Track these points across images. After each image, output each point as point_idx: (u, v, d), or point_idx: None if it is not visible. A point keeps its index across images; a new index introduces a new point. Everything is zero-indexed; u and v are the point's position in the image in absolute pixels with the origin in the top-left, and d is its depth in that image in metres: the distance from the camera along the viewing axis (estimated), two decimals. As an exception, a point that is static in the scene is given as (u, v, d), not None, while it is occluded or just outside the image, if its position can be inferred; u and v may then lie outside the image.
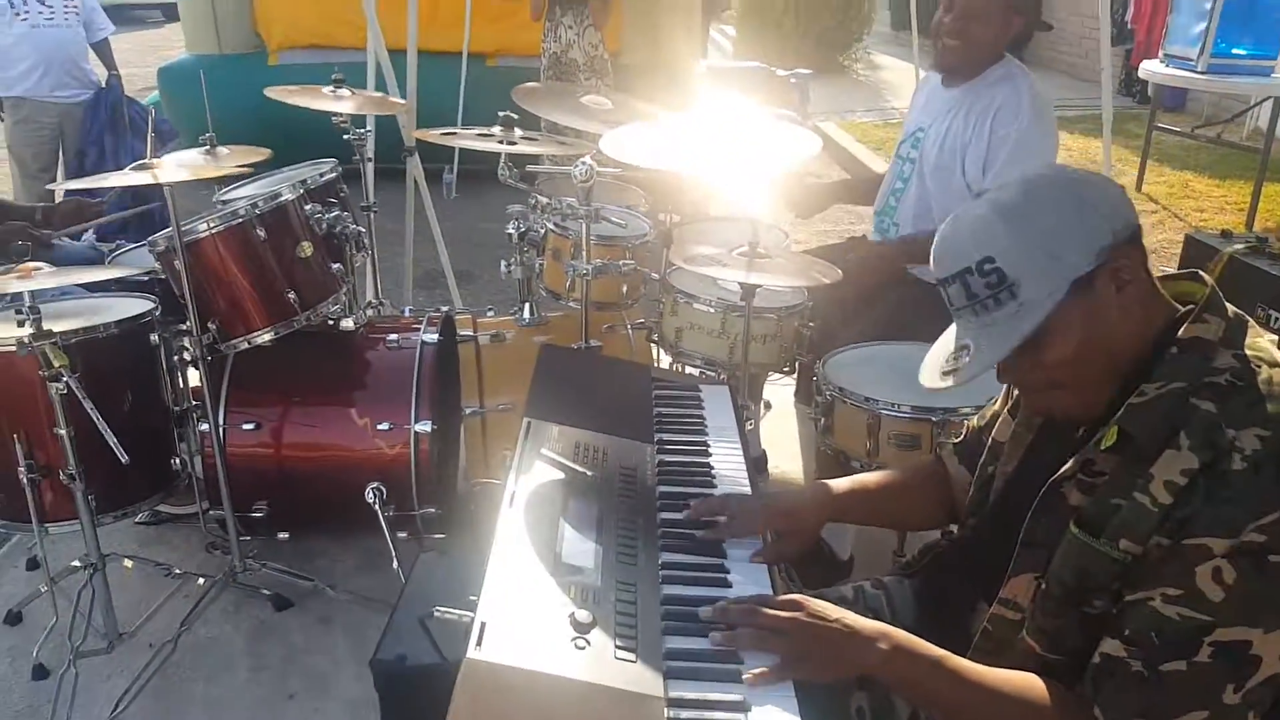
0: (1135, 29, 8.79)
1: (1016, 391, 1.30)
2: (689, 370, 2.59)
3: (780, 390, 3.12)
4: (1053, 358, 1.09)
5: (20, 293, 1.78)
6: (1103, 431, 1.08)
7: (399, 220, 3.71)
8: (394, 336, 2.45)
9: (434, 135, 2.44)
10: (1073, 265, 1.05)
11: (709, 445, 1.66)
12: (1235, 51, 5.37)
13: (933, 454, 1.61)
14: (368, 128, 3.02)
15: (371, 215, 3.05)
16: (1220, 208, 5.76)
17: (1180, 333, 1.07)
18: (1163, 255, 4.94)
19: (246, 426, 2.24)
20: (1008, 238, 1.07)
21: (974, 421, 1.44)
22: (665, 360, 2.62)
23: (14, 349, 1.86)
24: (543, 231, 2.54)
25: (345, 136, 2.90)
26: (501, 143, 2.31)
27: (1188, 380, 1.03)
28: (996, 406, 1.38)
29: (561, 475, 1.45)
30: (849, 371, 2.10)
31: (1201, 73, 5.41)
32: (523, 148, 2.32)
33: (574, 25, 4.83)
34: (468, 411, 2.55)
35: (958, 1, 2.36)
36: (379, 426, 2.30)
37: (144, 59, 10.50)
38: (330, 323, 2.43)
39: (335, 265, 2.32)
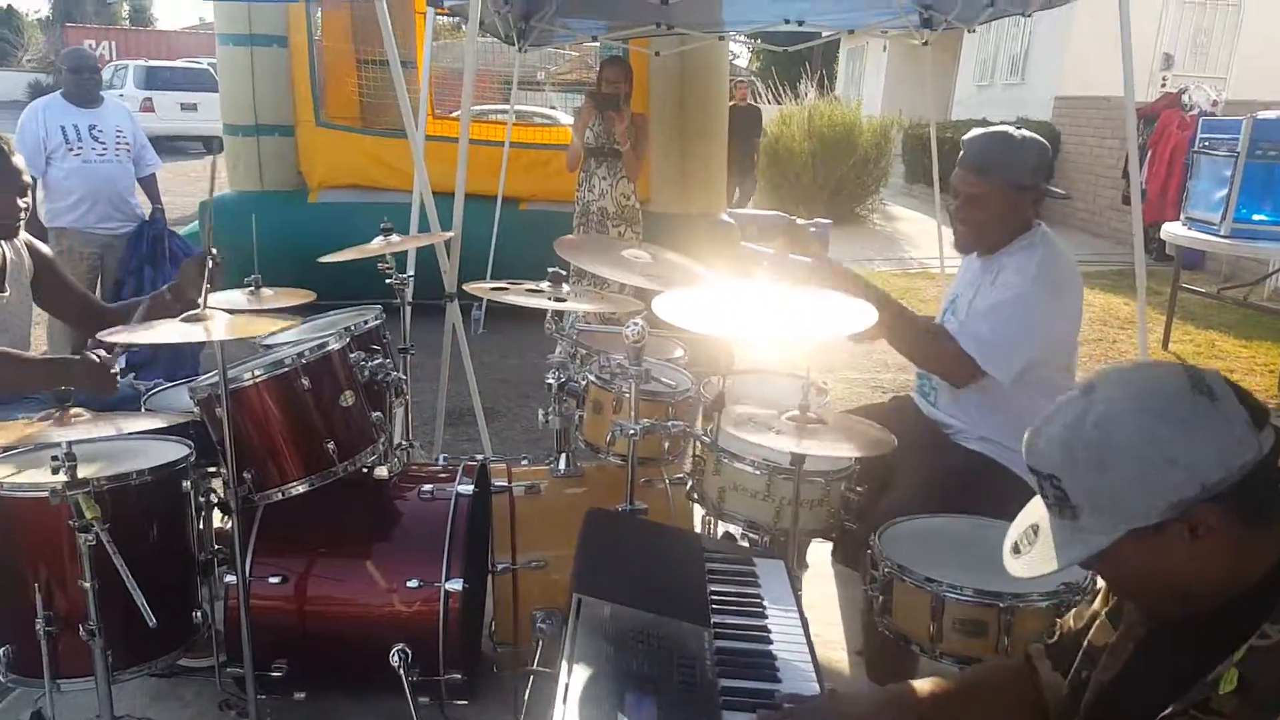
0: (1147, 189, 9.06)
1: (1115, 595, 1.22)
2: (728, 529, 2.51)
3: (816, 547, 3.01)
4: (1110, 578, 1.07)
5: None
6: (1220, 670, 1.00)
7: (429, 355, 3.70)
8: (428, 487, 2.38)
9: (484, 289, 2.44)
10: (1137, 516, 1.00)
11: (770, 631, 1.57)
12: (1256, 217, 5.50)
13: (1021, 653, 1.51)
14: (410, 272, 3.05)
15: (408, 357, 3.04)
16: (1249, 369, 5.74)
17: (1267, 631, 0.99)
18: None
19: (273, 580, 2.15)
20: (1077, 471, 1.03)
21: (1069, 622, 1.35)
22: (698, 512, 2.55)
23: (46, 496, 1.80)
24: (583, 383, 2.51)
25: (388, 281, 2.92)
26: (551, 298, 2.30)
27: None
28: (1095, 606, 1.29)
29: (616, 665, 1.36)
30: (908, 547, 1.99)
31: (1224, 236, 5.54)
32: (573, 305, 2.32)
33: (607, 176, 4.98)
34: (499, 567, 2.44)
35: (961, 190, 2.41)
36: (408, 584, 2.20)
37: (184, 189, 10.90)
38: (364, 470, 2.36)
39: (375, 414, 2.28)
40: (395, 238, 2.85)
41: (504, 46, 5.61)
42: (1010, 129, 2.43)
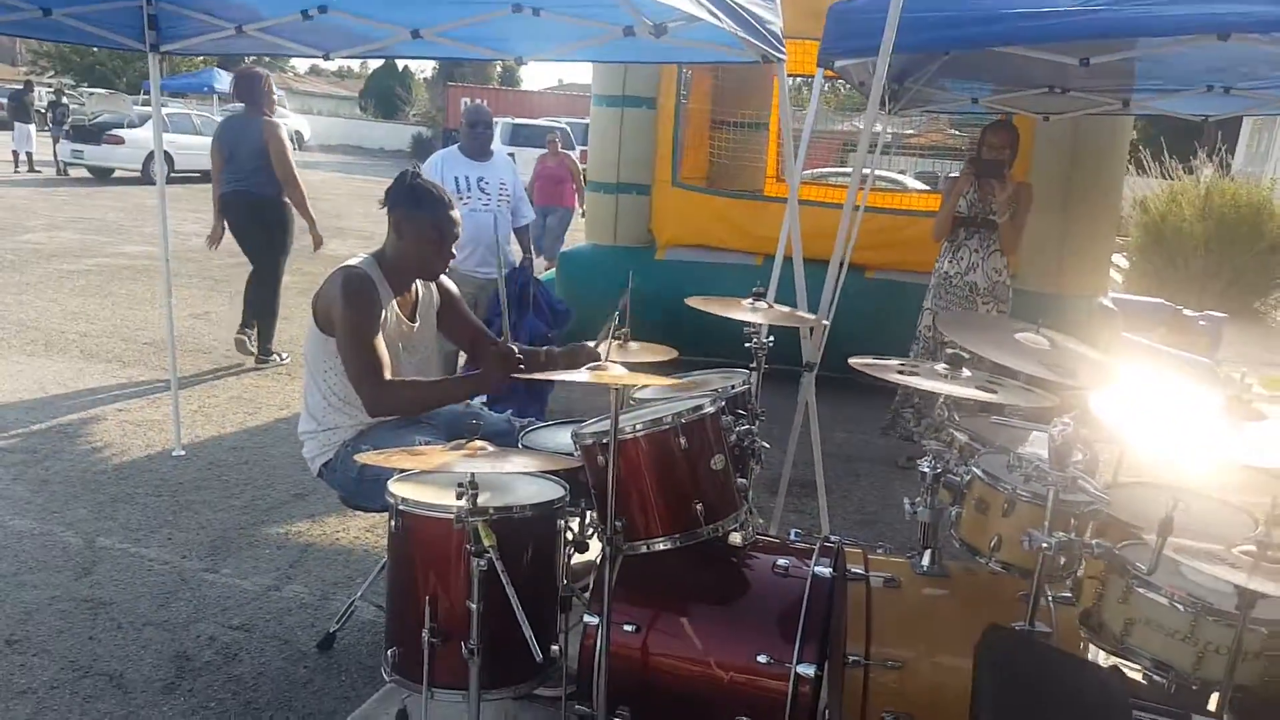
0: None
1: None
2: (1117, 663, 2.14)
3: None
4: None
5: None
6: None
7: (771, 420, 3.62)
8: (783, 561, 2.26)
9: (869, 366, 2.30)
10: None
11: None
12: None
13: None
14: (769, 338, 3.01)
15: (757, 424, 2.98)
16: None
17: None
18: None
19: (627, 628, 2.15)
20: None
21: None
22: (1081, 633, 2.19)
23: (450, 518, 1.92)
24: (966, 478, 2.27)
25: (747, 345, 2.88)
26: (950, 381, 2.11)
27: None
28: None
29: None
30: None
31: None
32: (979, 395, 2.11)
33: (979, 249, 4.65)
34: (851, 659, 2.26)
35: None
36: (758, 658, 2.08)
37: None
38: (723, 534, 2.30)
39: (740, 480, 2.22)
40: (764, 304, 2.81)
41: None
42: None
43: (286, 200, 5.92)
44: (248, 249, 6.09)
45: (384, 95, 41.44)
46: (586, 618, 2.16)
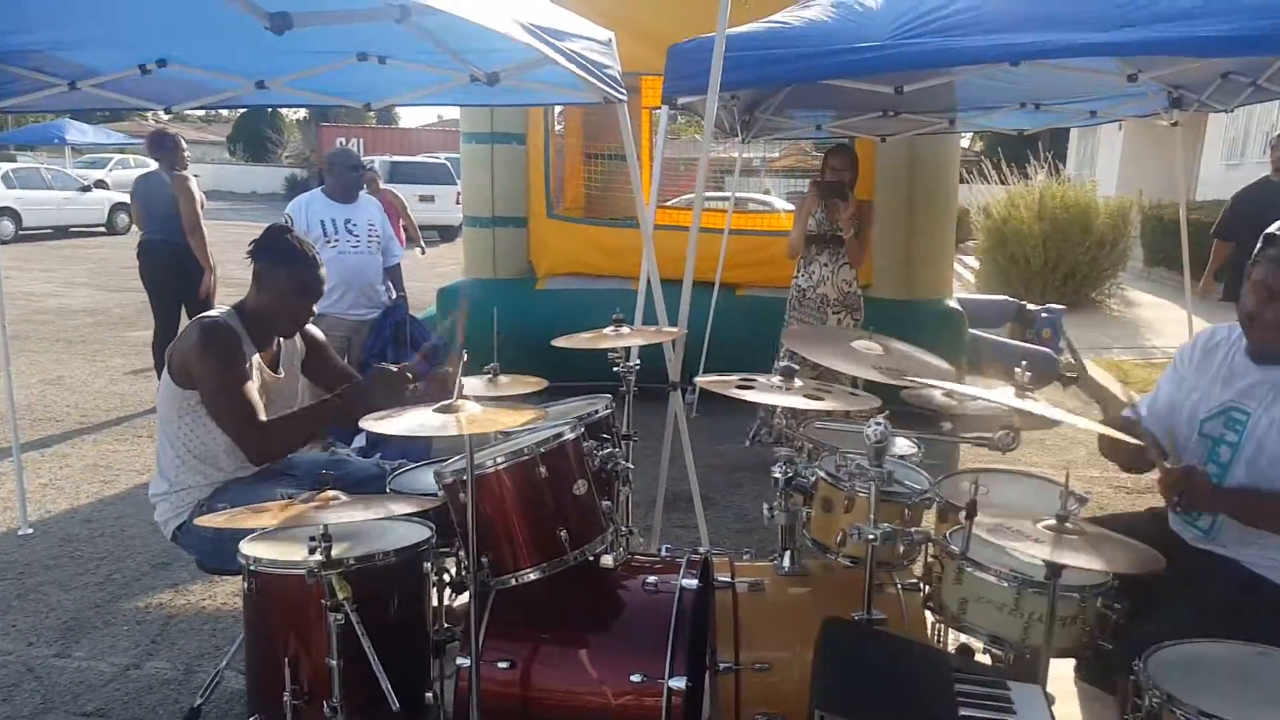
0: None
1: None
2: (964, 640, 2.33)
3: (1057, 663, 2.72)
4: None
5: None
6: None
7: (646, 439, 3.74)
8: (652, 579, 2.36)
9: (714, 383, 2.44)
10: None
11: (1034, 772, 1.41)
12: None
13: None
14: (635, 360, 3.13)
15: (631, 444, 3.09)
16: None
17: None
18: None
19: (502, 665, 2.19)
20: None
21: None
22: (930, 619, 2.38)
23: (303, 574, 1.92)
24: (813, 479, 2.43)
25: (615, 369, 3.00)
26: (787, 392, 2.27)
27: None
28: None
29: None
30: (1177, 675, 1.77)
31: None
32: (809, 404, 2.27)
33: (829, 263, 4.92)
34: (721, 666, 2.37)
35: (1278, 297, 2.13)
36: (631, 678, 2.17)
37: (419, 275, 11.86)
38: (590, 557, 2.39)
39: (605, 503, 2.31)
40: (626, 330, 2.93)
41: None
42: None
43: None
44: (159, 297, 6.16)
45: (253, 138, 40.03)
46: (459, 660, 2.19)
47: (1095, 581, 2.06)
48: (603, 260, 6.68)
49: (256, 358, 2.74)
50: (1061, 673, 2.70)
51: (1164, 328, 9.65)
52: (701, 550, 2.57)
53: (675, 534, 4.16)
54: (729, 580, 2.49)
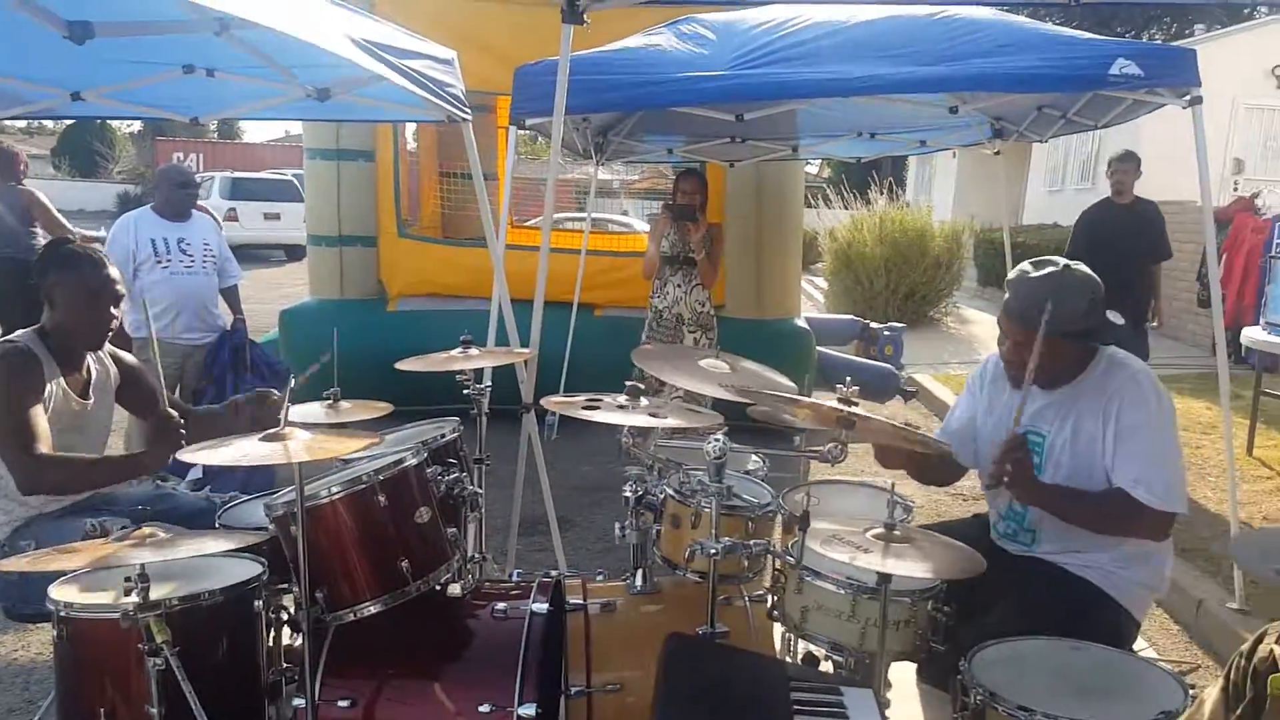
0: (1225, 294, 8.81)
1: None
2: (810, 649, 2.40)
3: (901, 666, 2.84)
4: None
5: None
6: None
7: (503, 462, 3.69)
8: (501, 605, 2.31)
9: (564, 402, 2.43)
10: None
11: (864, 772, 1.46)
12: (1332, 319, 5.27)
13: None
14: (487, 383, 3.10)
15: (483, 468, 3.05)
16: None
17: None
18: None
19: (342, 704, 2.09)
20: None
21: None
22: (778, 629, 2.45)
23: (116, 618, 1.78)
24: (661, 497, 2.46)
25: (465, 391, 2.95)
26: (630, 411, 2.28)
27: None
28: None
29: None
30: (999, 672, 1.89)
31: (1303, 339, 5.31)
32: (658, 422, 2.30)
33: (682, 284, 5.03)
34: (573, 690, 2.35)
35: (1008, 337, 2.33)
36: (480, 708, 2.11)
37: (264, 297, 11.36)
38: (436, 586, 2.33)
39: (450, 530, 2.25)
40: (474, 351, 2.89)
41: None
42: (1057, 270, 2.29)
43: None
44: (6, 317, 5.63)
45: (81, 152, 37.10)
46: (296, 701, 2.08)
47: (924, 586, 2.16)
48: (459, 280, 6.58)
49: (61, 382, 2.55)
50: (907, 675, 2.83)
51: (994, 343, 10.32)
52: (553, 573, 2.54)
53: (534, 558, 4.11)
54: (581, 602, 2.47)
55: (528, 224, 7.62)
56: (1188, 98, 3.47)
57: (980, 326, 11.68)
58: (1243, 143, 11.69)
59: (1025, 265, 2.37)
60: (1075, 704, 1.75)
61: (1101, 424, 2.27)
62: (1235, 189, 10.09)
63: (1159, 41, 17.99)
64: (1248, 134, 11.86)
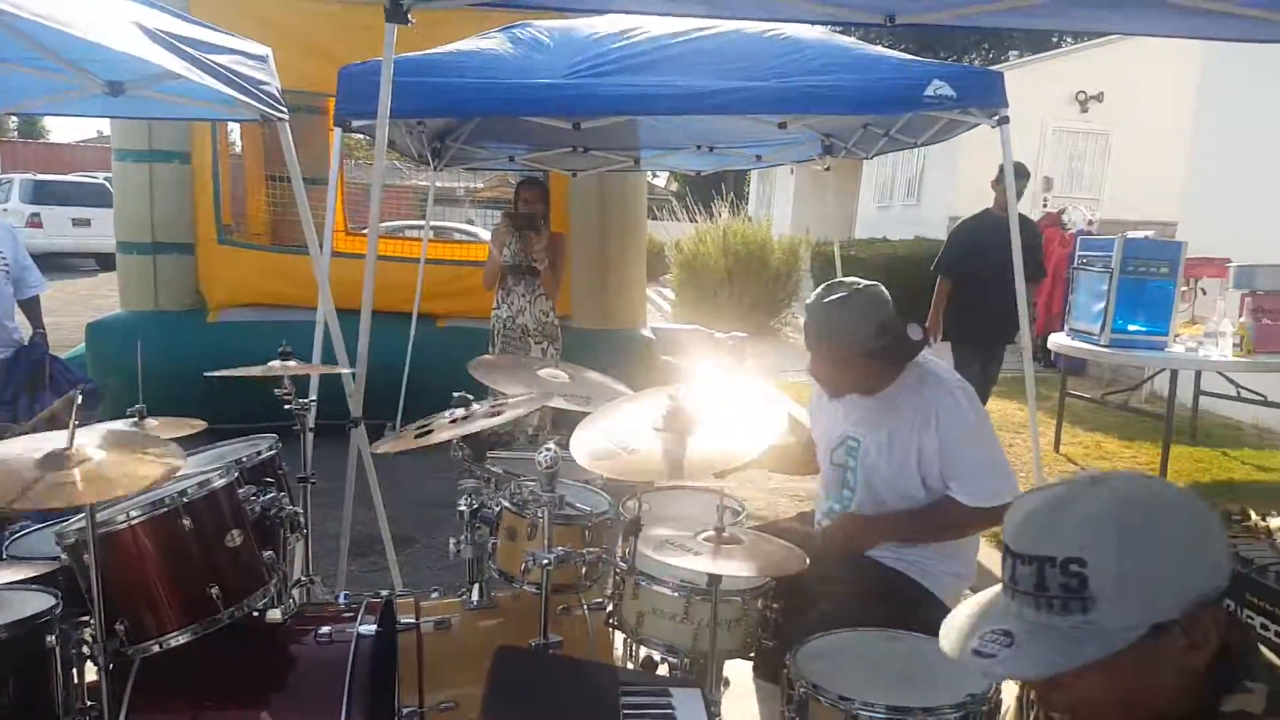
0: (1035, 302, 9.57)
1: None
2: (649, 653, 2.41)
3: (739, 664, 2.90)
4: (1091, 695, 0.97)
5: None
6: None
7: (332, 479, 3.53)
8: (326, 629, 2.20)
9: (394, 446, 2.34)
10: (1163, 609, 0.95)
11: (690, 772, 1.47)
12: (1131, 328, 5.83)
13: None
14: (312, 396, 2.95)
15: (309, 486, 2.90)
16: (1132, 468, 5.98)
17: (1224, 705, 0.96)
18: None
19: (148, 744, 1.94)
20: (1114, 554, 0.95)
21: None
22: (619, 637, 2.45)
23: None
24: (497, 509, 2.41)
25: (287, 406, 2.81)
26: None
27: None
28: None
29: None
30: (822, 664, 1.96)
31: (1105, 346, 5.84)
32: (468, 428, 2.25)
33: (526, 294, 4.99)
34: (405, 712, 2.27)
35: (813, 356, 2.45)
36: (303, 738, 2.01)
37: (72, 310, 10.49)
38: (255, 613, 2.19)
39: (267, 553, 2.12)
40: (293, 363, 2.74)
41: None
42: (847, 294, 2.39)
43: None
44: None
45: None
46: (97, 743, 1.91)
47: (754, 584, 2.21)
48: (288, 289, 6.26)
49: None
50: (744, 673, 2.89)
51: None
52: (383, 593, 2.44)
53: (370, 579, 3.95)
54: (413, 621, 2.39)
55: (363, 231, 7.36)
56: (996, 117, 3.75)
57: (818, 336, 12.20)
58: (1051, 162, 12.70)
59: (820, 290, 2.47)
60: (892, 691, 1.83)
61: (919, 434, 2.39)
62: (1045, 205, 10.94)
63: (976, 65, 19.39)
64: (1056, 154, 12.89)
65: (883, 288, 2.42)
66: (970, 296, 5.71)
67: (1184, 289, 6.06)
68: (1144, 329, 5.82)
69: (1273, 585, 1.73)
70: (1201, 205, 7.90)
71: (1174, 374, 5.80)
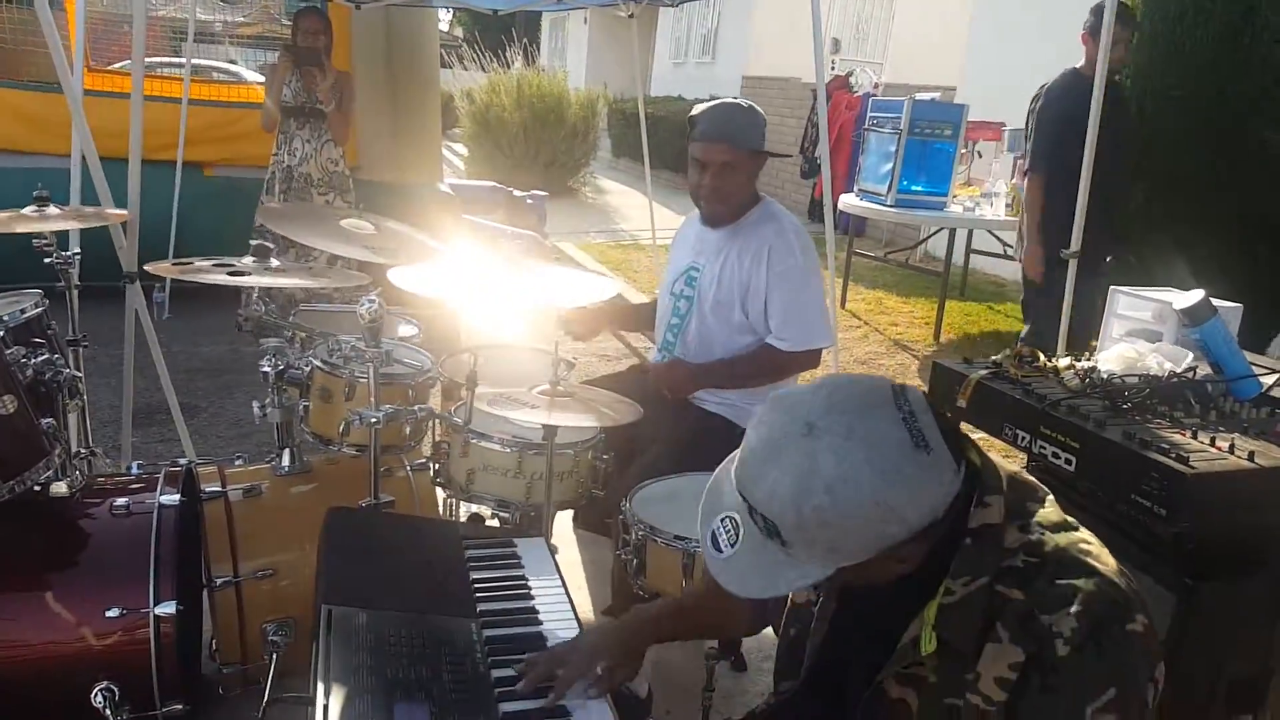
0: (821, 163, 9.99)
1: None
2: (474, 510, 2.41)
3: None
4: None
5: None
6: (916, 632, 1.07)
7: (106, 347, 3.17)
8: (122, 501, 2.02)
9: (174, 270, 2.11)
10: (850, 558, 1.02)
11: (538, 612, 1.52)
12: (914, 188, 6.21)
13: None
14: (74, 249, 2.59)
15: (79, 351, 2.60)
16: (910, 322, 6.54)
17: (970, 522, 1.06)
18: (872, 365, 5.48)
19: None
20: (801, 526, 0.99)
21: None
22: (441, 495, 2.43)
23: None
24: (307, 370, 2.27)
25: (47, 260, 2.47)
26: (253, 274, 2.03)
27: (989, 572, 1.04)
28: None
29: (379, 676, 1.23)
30: (656, 508, 2.04)
31: (891, 206, 6.20)
32: (297, 281, 2.07)
33: (311, 139, 4.56)
34: (219, 581, 2.15)
35: (711, 160, 2.46)
36: (107, 614, 1.87)
37: None
38: (36, 489, 1.97)
39: (46, 420, 1.89)
40: (54, 210, 2.39)
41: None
42: (736, 100, 2.52)
43: None
44: None
45: None
46: None
47: (585, 437, 2.25)
48: (23, 133, 5.42)
49: None
50: (562, 526, 2.98)
51: (630, 213, 10.86)
52: (182, 462, 2.27)
53: (156, 449, 3.67)
54: (220, 489, 2.24)
55: (111, 68, 6.41)
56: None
57: (616, 197, 12.18)
58: (839, 25, 13.00)
59: (705, 103, 2.52)
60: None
61: (750, 266, 2.48)
62: (833, 68, 11.23)
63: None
64: (843, 16, 13.18)
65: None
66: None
67: (962, 151, 6.48)
68: (925, 189, 6.22)
69: (1064, 417, 1.95)
70: (980, 70, 8.33)
71: (952, 233, 6.25)
